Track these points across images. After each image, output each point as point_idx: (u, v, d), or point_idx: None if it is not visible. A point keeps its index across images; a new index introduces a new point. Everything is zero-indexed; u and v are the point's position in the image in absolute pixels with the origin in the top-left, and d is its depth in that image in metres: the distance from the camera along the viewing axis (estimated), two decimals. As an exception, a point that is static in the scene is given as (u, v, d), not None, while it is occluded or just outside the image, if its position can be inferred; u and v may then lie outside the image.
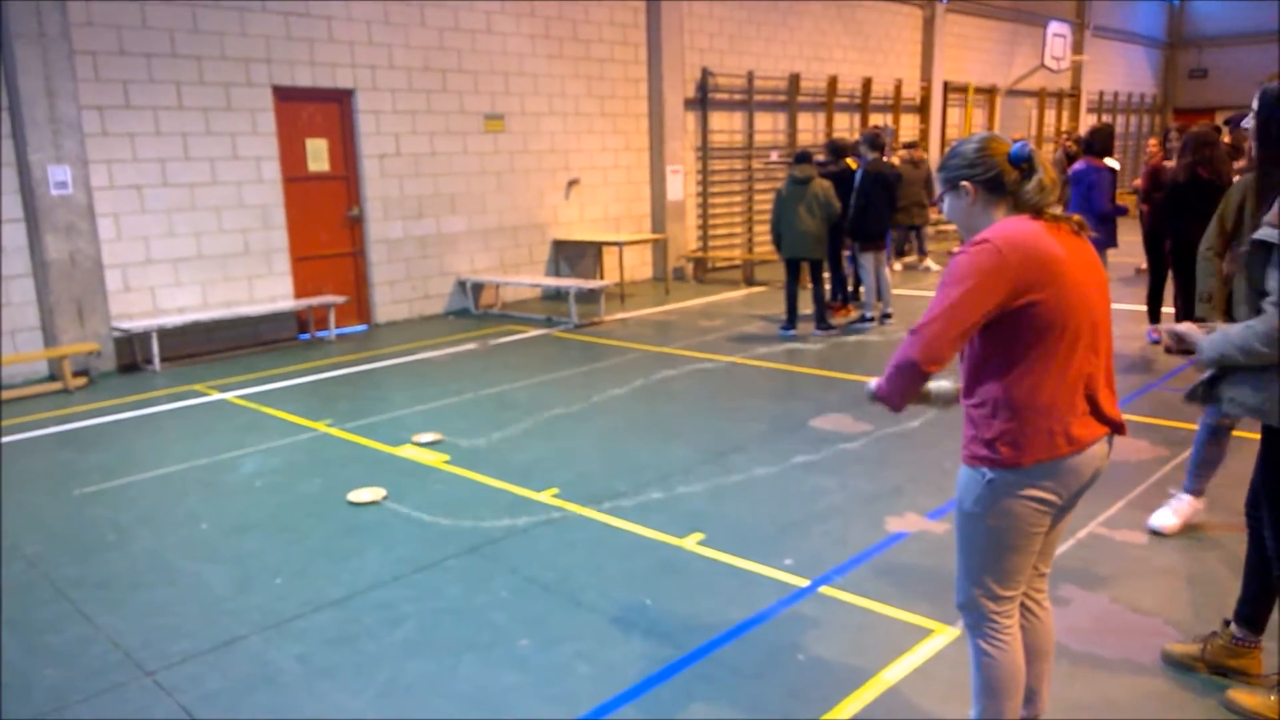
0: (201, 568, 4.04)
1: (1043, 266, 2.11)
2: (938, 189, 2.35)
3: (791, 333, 8.71)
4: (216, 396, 7.00)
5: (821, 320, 8.74)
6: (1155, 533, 4.05)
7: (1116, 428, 2.29)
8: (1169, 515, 4.09)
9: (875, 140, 8.84)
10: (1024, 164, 2.20)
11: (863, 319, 9.07)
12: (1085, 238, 2.25)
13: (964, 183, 2.25)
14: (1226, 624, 2.97)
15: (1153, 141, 10.84)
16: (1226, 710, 2.80)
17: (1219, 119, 12.09)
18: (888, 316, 9.08)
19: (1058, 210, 2.23)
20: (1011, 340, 2.15)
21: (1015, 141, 2.23)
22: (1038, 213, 2.20)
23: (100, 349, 7.70)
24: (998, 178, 2.21)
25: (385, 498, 4.75)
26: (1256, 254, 2.51)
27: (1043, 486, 2.20)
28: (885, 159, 9.02)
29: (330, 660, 3.25)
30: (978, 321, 2.11)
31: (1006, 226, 2.16)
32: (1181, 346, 2.78)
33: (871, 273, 8.96)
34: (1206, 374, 2.71)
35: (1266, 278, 2.47)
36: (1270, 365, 2.52)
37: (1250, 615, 2.90)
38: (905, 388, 2.21)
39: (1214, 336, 2.64)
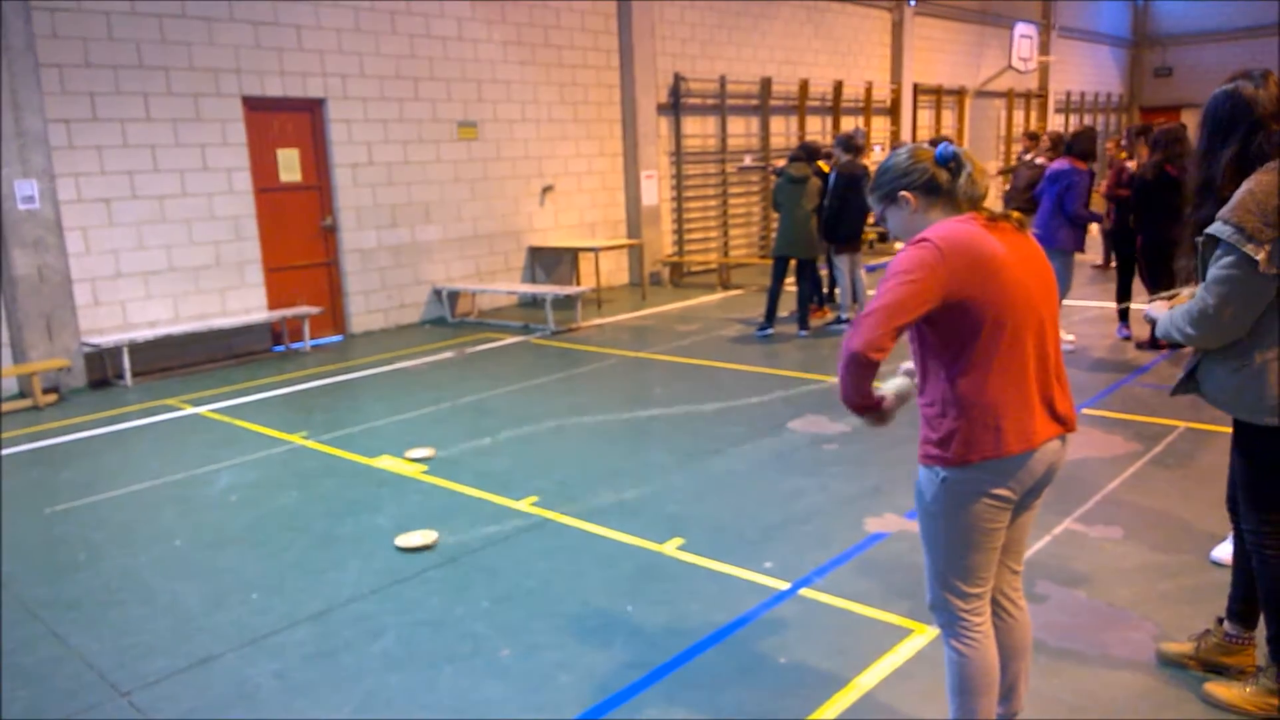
0: (176, 585, 3.98)
1: (981, 263, 2.14)
2: (875, 208, 2.40)
3: (768, 332, 8.76)
4: (190, 411, 6.92)
5: (804, 321, 8.83)
6: (1219, 564, 3.65)
7: (1067, 426, 2.30)
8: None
9: (849, 142, 8.93)
10: (951, 162, 2.28)
11: (839, 320, 9.12)
12: (1028, 235, 2.30)
13: (903, 193, 2.31)
14: (1220, 621, 2.98)
15: (1110, 143, 11.18)
16: (1204, 703, 2.82)
17: (1185, 116, 12.31)
18: None
19: (996, 208, 2.29)
20: (954, 338, 2.19)
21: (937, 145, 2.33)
22: (975, 205, 2.27)
23: (70, 365, 7.59)
24: (932, 180, 2.28)
25: (437, 541, 4.27)
26: (1208, 247, 2.55)
27: (995, 483, 2.22)
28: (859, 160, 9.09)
29: (308, 676, 3.21)
30: (916, 315, 2.13)
31: (945, 225, 2.21)
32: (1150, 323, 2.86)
33: (847, 274, 9.01)
34: (1186, 367, 2.76)
35: (1209, 267, 2.52)
36: (1240, 358, 2.56)
37: (1241, 611, 2.91)
38: (857, 380, 2.20)
39: (1165, 314, 2.72)
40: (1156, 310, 2.80)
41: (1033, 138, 12.67)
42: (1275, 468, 2.64)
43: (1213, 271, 2.49)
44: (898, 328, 2.12)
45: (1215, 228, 2.49)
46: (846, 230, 8.82)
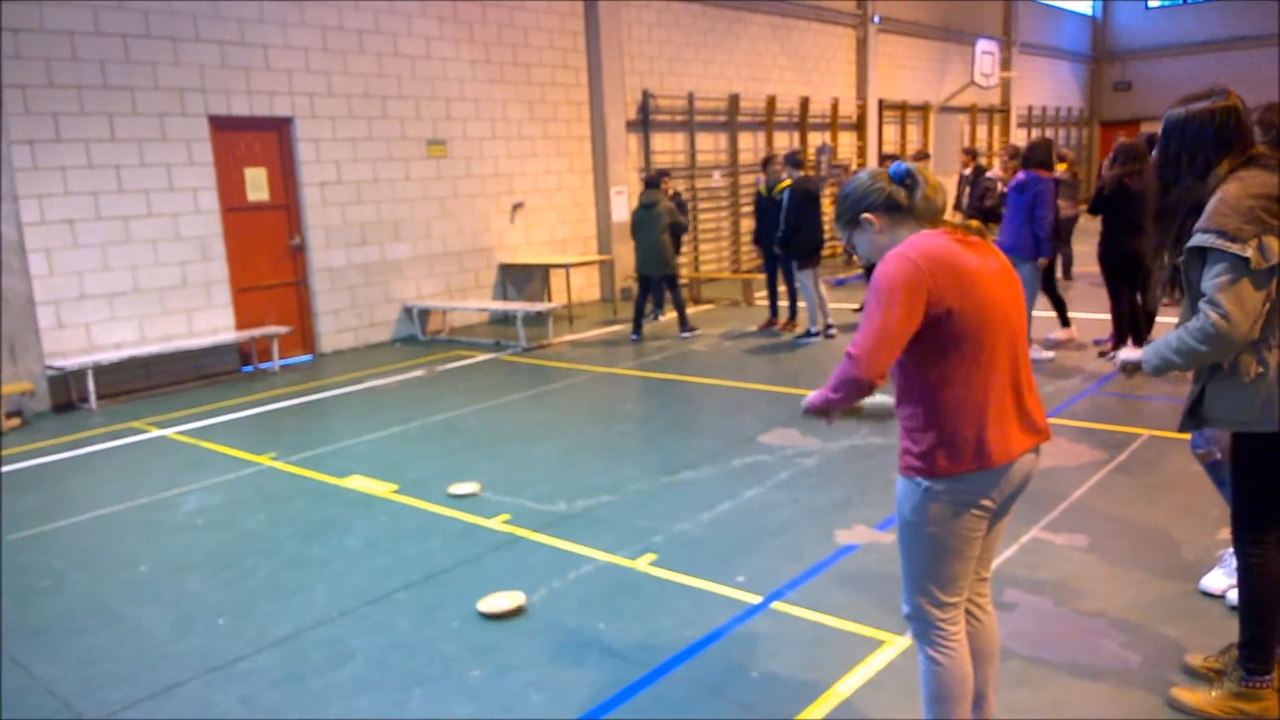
0: (141, 611, 3.92)
1: (956, 277, 2.18)
2: (841, 235, 2.44)
3: (636, 338, 9.62)
4: (156, 433, 6.83)
5: (684, 324, 9.58)
6: (1207, 594, 3.55)
7: (1042, 436, 2.34)
8: (1222, 576, 3.55)
9: (796, 159, 9.27)
10: (906, 179, 2.32)
11: (807, 334, 9.19)
12: (994, 247, 2.33)
13: (865, 215, 2.34)
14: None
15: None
16: (1171, 708, 2.86)
17: (1144, 129, 12.59)
18: (830, 328, 9.23)
19: (957, 219, 2.32)
20: (934, 352, 2.21)
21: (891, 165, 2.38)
22: (934, 220, 2.31)
23: (34, 388, 7.47)
24: (891, 198, 2.32)
25: (523, 607, 3.74)
26: (1193, 261, 2.58)
27: (977, 493, 2.25)
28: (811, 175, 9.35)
29: (275, 701, 3.17)
30: (910, 332, 2.17)
31: (917, 240, 2.24)
32: (1132, 372, 2.84)
33: (811, 289, 9.11)
34: (1187, 402, 2.75)
35: (1201, 280, 2.53)
36: (1246, 376, 2.56)
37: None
38: (850, 399, 2.25)
39: (1152, 346, 2.70)
40: (1133, 354, 2.79)
41: (970, 154, 12.95)
42: None
43: (1209, 283, 2.48)
44: (896, 346, 2.16)
45: (1196, 239, 2.51)
46: (806, 245, 8.96)
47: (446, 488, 5.21)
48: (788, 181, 9.26)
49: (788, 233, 9.00)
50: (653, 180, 9.70)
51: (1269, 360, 2.54)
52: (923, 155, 14.16)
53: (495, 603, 3.75)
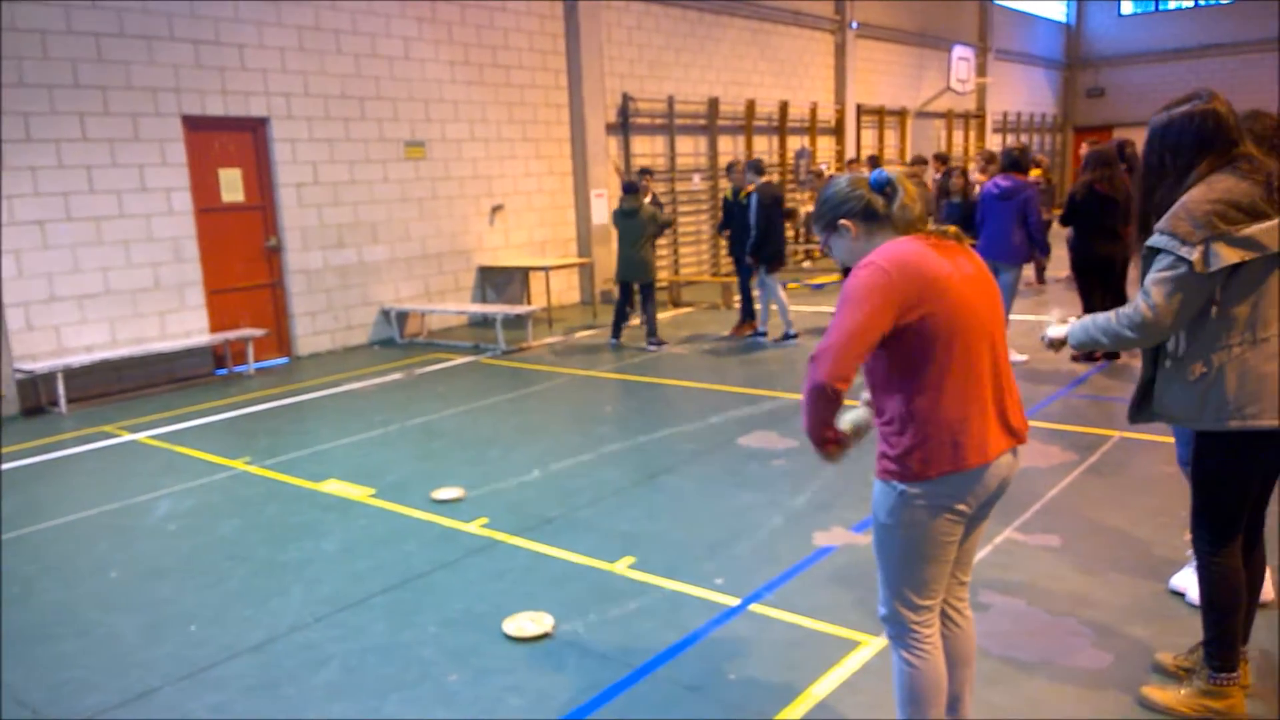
0: (112, 618, 3.87)
1: (927, 283, 2.19)
2: (820, 238, 2.46)
3: (615, 343, 9.51)
4: (128, 438, 6.75)
5: (652, 334, 9.34)
6: (1177, 593, 3.59)
7: (1019, 438, 2.36)
8: (1192, 575, 3.46)
9: (758, 165, 9.38)
10: (886, 187, 2.33)
11: (786, 336, 9.24)
12: (970, 251, 2.35)
13: (842, 221, 2.36)
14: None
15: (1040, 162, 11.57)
16: (1142, 707, 2.89)
17: (1117, 135, 12.70)
18: (787, 331, 9.36)
19: (931, 224, 2.35)
20: (908, 357, 2.23)
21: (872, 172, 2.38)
22: (910, 229, 2.32)
23: (2, 393, 7.36)
24: (869, 206, 2.33)
25: (554, 630, 3.56)
26: (1149, 260, 2.65)
27: (953, 498, 2.26)
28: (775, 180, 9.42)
29: (248, 708, 3.14)
30: (874, 340, 2.19)
31: (889, 247, 2.26)
32: (1059, 347, 2.93)
33: (782, 292, 9.19)
34: (1135, 394, 2.83)
35: (1148, 273, 2.63)
36: (1195, 368, 2.62)
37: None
38: (822, 412, 2.25)
39: (1081, 324, 2.82)
40: (1059, 331, 2.90)
41: (942, 159, 13.02)
42: (1233, 475, 2.69)
43: (1153, 275, 2.58)
44: (859, 353, 2.17)
45: (1153, 239, 2.60)
46: (775, 249, 9.03)
47: (429, 493, 5.17)
48: (751, 186, 9.31)
49: (759, 239, 9.03)
50: (631, 185, 9.50)
51: (1214, 361, 2.60)
52: (920, 160, 14.12)
53: (522, 626, 3.56)
